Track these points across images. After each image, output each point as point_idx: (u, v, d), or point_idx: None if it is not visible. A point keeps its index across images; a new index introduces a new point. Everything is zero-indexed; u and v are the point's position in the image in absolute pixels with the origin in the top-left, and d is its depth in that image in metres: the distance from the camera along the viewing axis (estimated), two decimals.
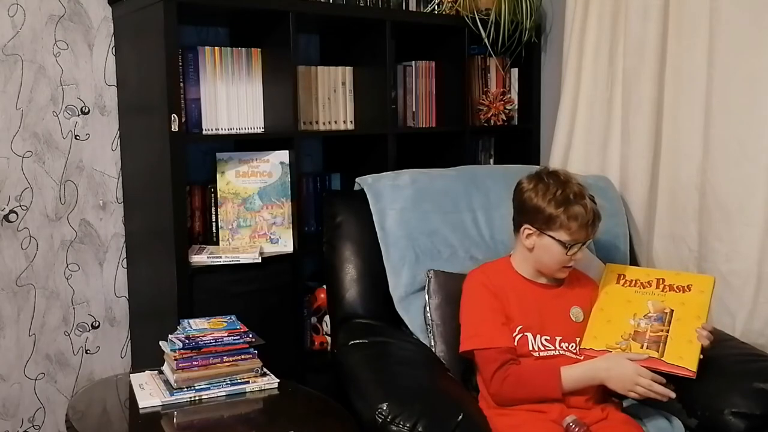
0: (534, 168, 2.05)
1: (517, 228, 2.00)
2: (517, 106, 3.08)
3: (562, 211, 1.88)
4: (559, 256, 1.91)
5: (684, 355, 1.83)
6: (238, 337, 1.90)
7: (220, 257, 2.27)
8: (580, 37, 2.72)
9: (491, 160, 3.10)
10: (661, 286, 1.97)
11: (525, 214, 1.95)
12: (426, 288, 2.11)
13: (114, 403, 1.94)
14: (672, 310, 1.91)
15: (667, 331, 1.88)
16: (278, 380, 1.90)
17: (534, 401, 1.83)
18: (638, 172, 2.55)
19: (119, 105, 2.48)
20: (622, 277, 2.03)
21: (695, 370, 1.81)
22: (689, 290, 1.94)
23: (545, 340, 1.91)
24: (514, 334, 1.91)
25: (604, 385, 1.89)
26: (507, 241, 2.26)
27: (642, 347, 1.86)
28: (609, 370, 1.83)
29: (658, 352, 1.85)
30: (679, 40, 2.48)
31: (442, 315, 2.07)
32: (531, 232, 1.94)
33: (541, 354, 1.90)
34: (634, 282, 2.01)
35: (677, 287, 1.96)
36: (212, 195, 2.44)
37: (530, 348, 1.90)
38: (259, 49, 2.46)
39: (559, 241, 1.90)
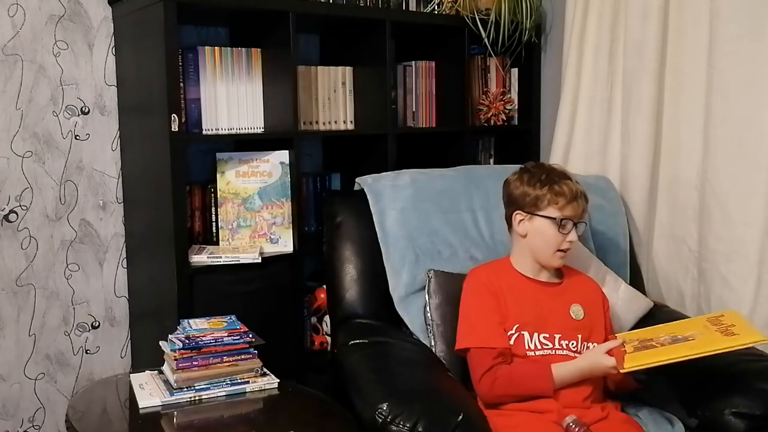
0: None
1: (509, 220, 2.02)
2: (517, 106, 3.08)
3: (547, 189, 1.94)
4: (553, 237, 1.93)
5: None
6: (238, 337, 1.90)
7: (220, 257, 2.27)
8: (580, 37, 2.72)
9: (491, 160, 3.10)
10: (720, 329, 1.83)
11: (514, 202, 2.00)
12: (426, 288, 2.11)
13: (114, 403, 1.94)
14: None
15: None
16: (278, 380, 1.90)
17: (525, 398, 1.85)
18: (638, 172, 2.55)
19: (119, 105, 2.48)
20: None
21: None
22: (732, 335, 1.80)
23: (543, 338, 1.91)
24: (511, 333, 1.91)
25: (602, 384, 1.92)
26: (507, 241, 2.25)
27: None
28: (589, 368, 1.84)
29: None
30: (679, 40, 2.48)
31: (442, 315, 2.07)
32: (522, 217, 1.97)
33: (537, 353, 1.91)
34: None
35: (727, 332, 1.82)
36: (212, 195, 2.44)
37: (526, 347, 1.91)
38: (259, 49, 2.46)
39: (550, 218, 1.93)
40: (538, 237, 1.96)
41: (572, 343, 1.93)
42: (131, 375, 1.96)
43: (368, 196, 2.25)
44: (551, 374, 1.84)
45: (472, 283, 2.00)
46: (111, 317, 2.54)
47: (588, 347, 1.93)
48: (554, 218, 1.93)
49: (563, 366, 1.86)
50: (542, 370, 1.86)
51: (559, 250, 1.96)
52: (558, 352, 1.91)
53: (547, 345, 1.91)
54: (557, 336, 1.92)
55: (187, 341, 1.85)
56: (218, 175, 2.42)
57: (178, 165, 2.18)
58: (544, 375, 1.85)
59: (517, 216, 1.98)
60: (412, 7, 2.78)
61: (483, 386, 1.88)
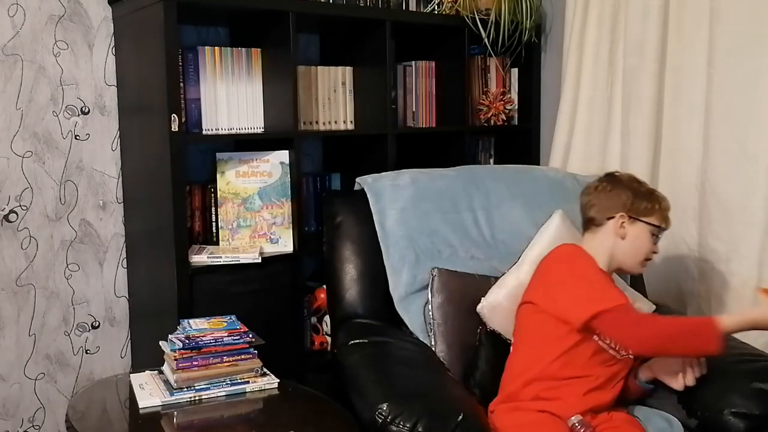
0: (533, 169, 2.07)
1: (599, 221, 2.01)
2: (517, 106, 3.08)
3: (655, 199, 2.01)
4: (647, 244, 1.99)
5: None
6: (238, 337, 1.90)
7: (220, 257, 2.27)
8: (580, 37, 2.72)
9: (491, 160, 3.10)
10: None
11: (615, 207, 1.99)
12: (429, 286, 2.11)
13: (114, 403, 1.94)
14: None
15: None
16: (278, 380, 1.90)
17: (684, 353, 1.84)
18: (638, 172, 2.53)
19: (119, 105, 2.48)
20: None
21: None
22: None
23: None
24: None
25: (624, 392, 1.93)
26: (508, 240, 2.26)
27: None
28: (762, 318, 1.81)
29: None
30: (679, 40, 2.48)
31: (444, 314, 2.07)
32: (625, 220, 1.99)
33: (615, 350, 1.91)
34: None
35: None
36: (212, 195, 2.44)
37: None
38: (259, 49, 2.46)
39: (654, 225, 1.99)
40: (635, 242, 1.99)
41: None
42: (131, 375, 1.96)
43: (368, 196, 2.25)
44: (717, 323, 1.79)
45: (578, 254, 1.98)
46: (111, 317, 2.54)
47: (619, 350, 1.93)
48: (659, 227, 1.99)
49: (730, 317, 1.83)
50: (707, 319, 1.85)
51: (646, 259, 2.01)
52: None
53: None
54: None
55: (187, 341, 1.85)
56: (218, 175, 2.42)
57: (178, 165, 2.18)
58: (709, 321, 1.80)
59: (621, 219, 1.99)
60: (412, 7, 2.78)
61: (636, 337, 1.81)
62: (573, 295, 1.88)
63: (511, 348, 1.99)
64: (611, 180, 2.06)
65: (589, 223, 2.05)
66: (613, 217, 1.99)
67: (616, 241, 1.98)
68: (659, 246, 2.03)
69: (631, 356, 1.93)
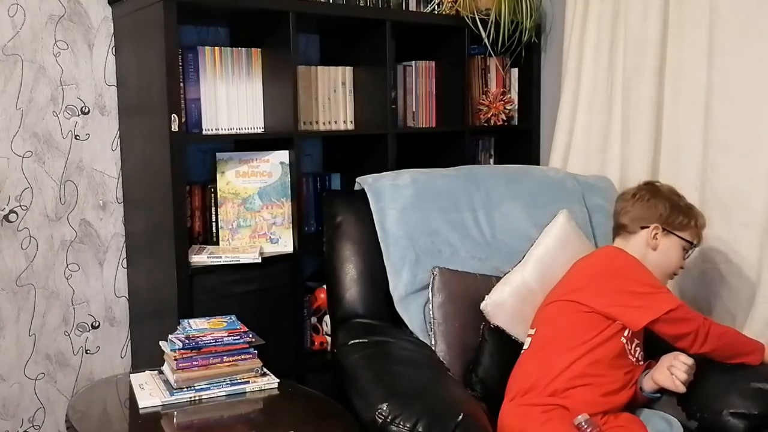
0: (534, 169, 2.06)
1: (631, 230, 2.04)
2: (517, 106, 3.08)
3: (693, 216, 2.03)
4: (677, 259, 2.02)
5: None
6: (238, 337, 1.90)
7: (220, 257, 2.27)
8: (580, 37, 2.72)
9: (491, 160, 3.10)
10: None
11: (652, 217, 2.02)
12: (430, 285, 2.11)
13: (114, 403, 1.94)
14: None
15: None
16: (278, 380, 1.91)
17: (732, 353, 1.94)
18: (638, 172, 2.55)
19: (119, 105, 2.48)
20: None
21: None
22: None
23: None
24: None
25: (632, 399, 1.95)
26: (508, 240, 2.26)
27: None
28: None
29: None
30: (679, 40, 2.48)
31: (445, 314, 2.07)
32: (658, 232, 2.01)
33: (634, 357, 1.95)
34: None
35: None
36: (212, 195, 2.44)
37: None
38: (259, 49, 2.46)
39: (686, 241, 2.01)
40: (666, 254, 2.01)
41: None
42: (131, 375, 1.96)
43: (368, 196, 2.25)
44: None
45: (628, 256, 1.99)
46: (111, 317, 2.54)
47: (639, 352, 1.96)
48: (691, 242, 2.02)
49: None
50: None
51: (674, 273, 2.04)
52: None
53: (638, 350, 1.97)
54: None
55: (187, 341, 1.85)
56: (218, 175, 2.42)
57: (178, 165, 2.18)
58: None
59: (655, 230, 2.01)
60: (412, 7, 2.79)
61: (700, 337, 1.89)
62: (632, 301, 1.90)
63: (528, 345, 1.98)
64: (650, 189, 2.07)
65: (620, 230, 2.07)
66: (647, 227, 2.00)
67: (647, 251, 2.00)
68: (687, 261, 2.05)
69: (641, 363, 1.94)
